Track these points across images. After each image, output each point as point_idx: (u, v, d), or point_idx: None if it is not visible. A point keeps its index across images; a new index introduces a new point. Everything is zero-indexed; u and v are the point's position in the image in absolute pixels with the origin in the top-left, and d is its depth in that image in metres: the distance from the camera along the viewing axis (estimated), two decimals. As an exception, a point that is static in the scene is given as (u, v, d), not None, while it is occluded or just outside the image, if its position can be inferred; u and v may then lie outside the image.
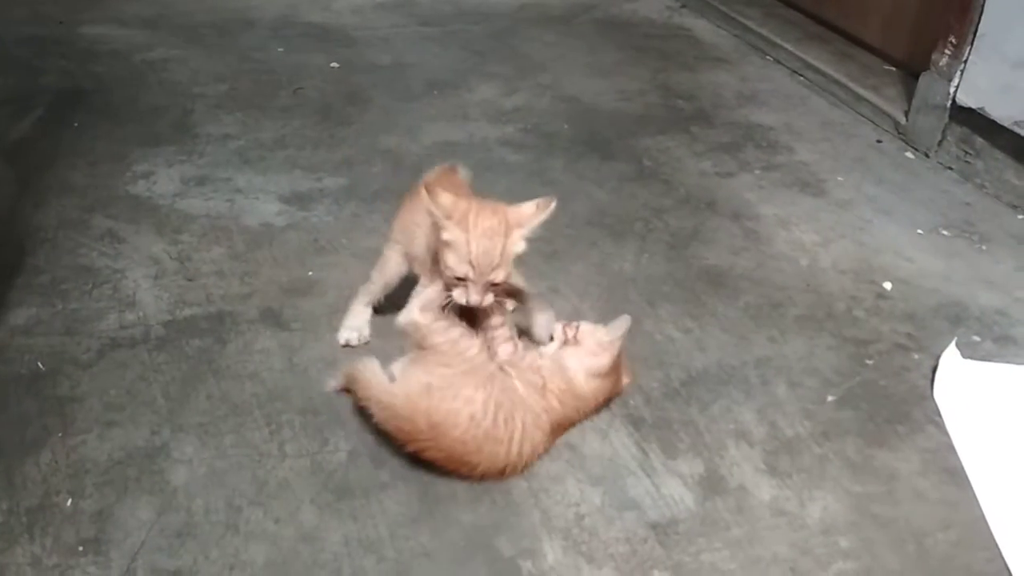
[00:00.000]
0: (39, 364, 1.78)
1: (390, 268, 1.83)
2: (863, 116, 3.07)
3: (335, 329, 1.90)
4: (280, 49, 3.29)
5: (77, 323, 1.90)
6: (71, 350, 1.82)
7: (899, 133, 2.94)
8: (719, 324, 2.03)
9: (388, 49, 3.37)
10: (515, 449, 1.54)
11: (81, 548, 1.42)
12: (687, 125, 2.93)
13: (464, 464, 1.54)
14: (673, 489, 1.61)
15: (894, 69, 3.25)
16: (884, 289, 2.18)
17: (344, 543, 1.46)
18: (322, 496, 1.54)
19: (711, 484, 1.62)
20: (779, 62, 3.48)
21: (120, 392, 1.73)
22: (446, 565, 1.45)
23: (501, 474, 1.56)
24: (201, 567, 1.40)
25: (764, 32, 3.60)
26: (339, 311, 1.96)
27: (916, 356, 1.96)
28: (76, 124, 2.68)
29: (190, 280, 2.05)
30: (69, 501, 1.50)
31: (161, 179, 2.43)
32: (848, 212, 2.51)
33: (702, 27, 3.80)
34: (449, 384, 1.54)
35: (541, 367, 1.66)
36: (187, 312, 1.95)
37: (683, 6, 3.98)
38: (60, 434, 1.63)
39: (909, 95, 2.94)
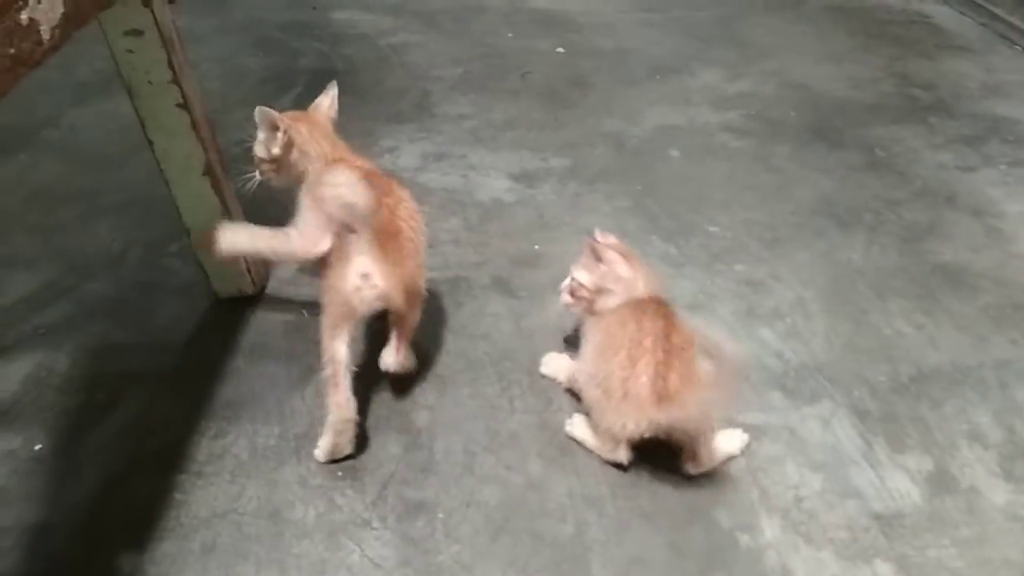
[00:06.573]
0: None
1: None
2: None
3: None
4: (510, 34, 3.45)
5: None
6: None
7: None
8: (954, 322, 1.94)
9: (611, 34, 3.44)
10: None
11: (340, 473, 1.61)
12: (924, 116, 2.80)
13: None
14: (899, 483, 1.58)
15: None
16: None
17: (568, 495, 1.56)
18: (548, 450, 1.65)
19: (940, 482, 1.58)
20: (1031, 51, 3.23)
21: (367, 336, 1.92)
22: (665, 529, 1.51)
23: None
24: (442, 500, 1.55)
25: (1014, 20, 3.36)
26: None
27: None
28: (330, 101, 2.94)
29: (431, 247, 2.21)
30: (329, 432, 1.69)
31: (404, 154, 2.64)
32: (1108, 214, 2.31)
33: (944, 14, 3.59)
34: None
35: None
36: (428, 275, 2.10)
37: (923, -9, 3.78)
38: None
39: None
